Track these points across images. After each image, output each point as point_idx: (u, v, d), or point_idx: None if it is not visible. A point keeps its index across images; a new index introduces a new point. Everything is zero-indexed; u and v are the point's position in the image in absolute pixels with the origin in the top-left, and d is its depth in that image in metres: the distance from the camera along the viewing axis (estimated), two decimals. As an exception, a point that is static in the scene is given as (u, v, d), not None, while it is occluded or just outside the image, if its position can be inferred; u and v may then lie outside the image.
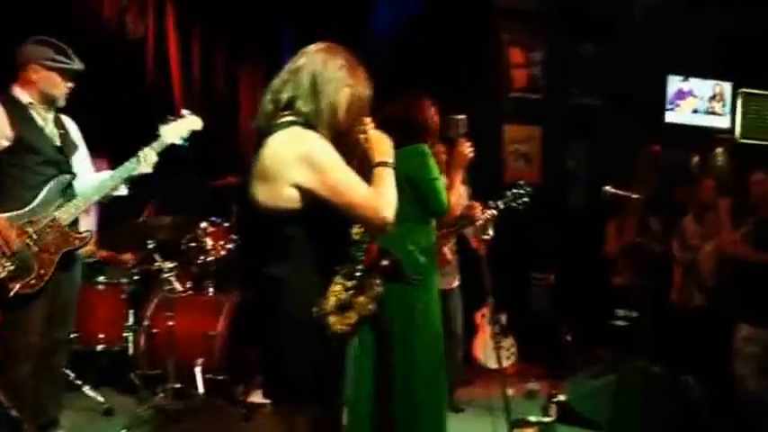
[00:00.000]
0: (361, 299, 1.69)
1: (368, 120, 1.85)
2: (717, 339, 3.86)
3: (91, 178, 2.88)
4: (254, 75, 4.85)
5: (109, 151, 3.94)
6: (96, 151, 3.87)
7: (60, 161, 2.78)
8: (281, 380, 1.73)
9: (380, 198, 1.73)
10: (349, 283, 1.69)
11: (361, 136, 1.82)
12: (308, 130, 1.70)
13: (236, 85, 4.89)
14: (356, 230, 1.76)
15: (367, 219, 1.70)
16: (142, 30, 4.77)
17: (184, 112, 2.93)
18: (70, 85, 2.80)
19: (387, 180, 1.78)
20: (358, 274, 1.71)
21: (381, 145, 1.83)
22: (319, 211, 1.68)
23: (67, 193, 2.78)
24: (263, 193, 1.69)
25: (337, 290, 1.68)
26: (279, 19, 4.79)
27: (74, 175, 2.83)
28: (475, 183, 3.29)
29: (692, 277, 4.37)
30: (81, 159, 2.91)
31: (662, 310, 4.45)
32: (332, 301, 1.67)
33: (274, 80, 1.78)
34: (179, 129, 2.87)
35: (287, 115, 1.74)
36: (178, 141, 2.86)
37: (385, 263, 1.77)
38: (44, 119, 2.79)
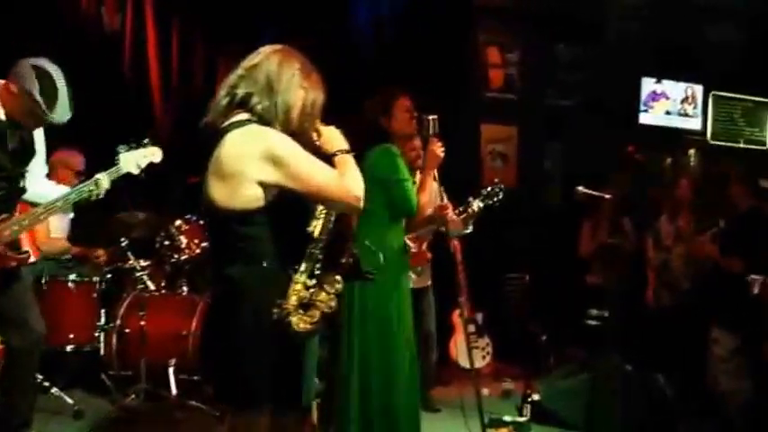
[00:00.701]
0: (323, 296, 1.70)
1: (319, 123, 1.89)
2: (688, 339, 3.93)
3: (43, 190, 2.78)
4: (233, 68, 4.78)
5: (85, 145, 3.87)
6: (72, 145, 3.80)
7: (16, 176, 2.68)
8: (241, 383, 1.71)
9: (349, 179, 1.78)
10: (310, 282, 1.70)
11: (313, 134, 1.86)
12: (264, 127, 1.72)
13: (215, 78, 4.80)
14: (314, 227, 1.77)
15: (340, 199, 1.74)
16: (119, 22, 4.68)
17: (146, 141, 2.86)
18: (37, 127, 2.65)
19: (349, 164, 1.83)
20: (318, 272, 1.72)
21: (334, 137, 1.88)
22: (280, 210, 1.69)
23: (12, 207, 2.69)
24: (221, 193, 1.69)
25: (298, 288, 1.68)
26: (259, 12, 4.74)
27: (24, 191, 2.73)
28: (452, 183, 3.30)
29: (664, 278, 4.44)
30: (35, 166, 2.80)
31: (634, 309, 4.50)
32: (293, 300, 1.67)
33: (230, 76, 1.80)
34: (138, 158, 2.80)
35: (241, 112, 1.75)
36: (135, 171, 2.79)
37: (343, 260, 1.78)
38: (12, 129, 2.64)
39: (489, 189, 3.44)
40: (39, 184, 2.80)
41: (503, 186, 3.44)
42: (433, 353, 3.93)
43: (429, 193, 2.90)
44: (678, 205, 4.50)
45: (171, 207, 3.89)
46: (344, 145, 1.87)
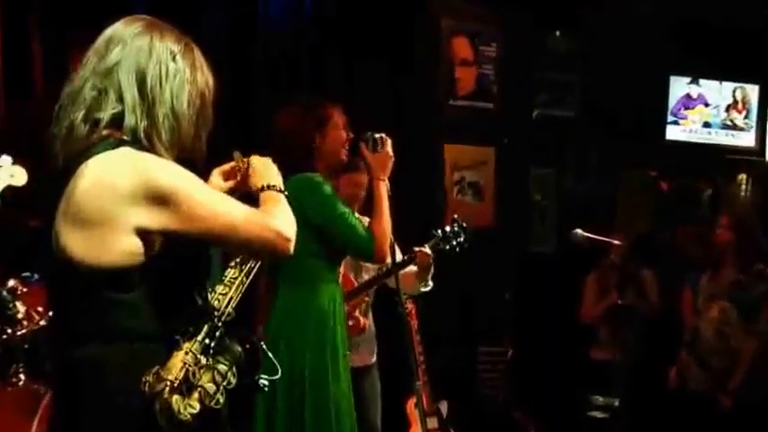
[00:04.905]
0: (209, 382, 1.76)
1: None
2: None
3: None
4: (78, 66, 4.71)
5: None
6: None
7: None
8: None
9: (272, 214, 1.91)
10: (203, 358, 1.78)
11: (239, 165, 2.08)
12: (139, 152, 1.79)
13: (63, 67, 4.55)
14: (220, 295, 1.91)
15: (262, 240, 1.84)
16: None
17: (4, 158, 3.11)
18: None
19: (278, 199, 1.99)
20: (213, 351, 1.81)
21: (266, 170, 2.08)
22: (164, 267, 1.79)
23: None
24: (80, 245, 1.74)
25: (188, 359, 1.74)
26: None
27: None
28: (406, 225, 3.58)
29: (694, 352, 4.72)
30: None
31: (654, 395, 4.87)
32: (177, 370, 1.72)
33: (79, 85, 1.85)
34: None
35: (109, 132, 1.82)
36: None
37: (239, 348, 1.86)
38: None
39: (446, 229, 3.76)
40: None
41: (464, 226, 3.77)
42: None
43: (385, 218, 3.11)
44: (721, 253, 4.77)
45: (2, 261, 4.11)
46: (278, 181, 2.04)
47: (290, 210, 1.97)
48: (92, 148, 1.78)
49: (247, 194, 2.06)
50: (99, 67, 1.83)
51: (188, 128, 1.88)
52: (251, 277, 2.00)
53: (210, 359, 1.79)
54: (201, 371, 1.75)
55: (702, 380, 4.70)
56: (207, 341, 1.79)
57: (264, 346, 1.95)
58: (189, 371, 1.73)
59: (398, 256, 3.57)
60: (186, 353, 1.75)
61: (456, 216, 3.89)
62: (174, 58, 1.87)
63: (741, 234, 4.76)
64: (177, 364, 1.73)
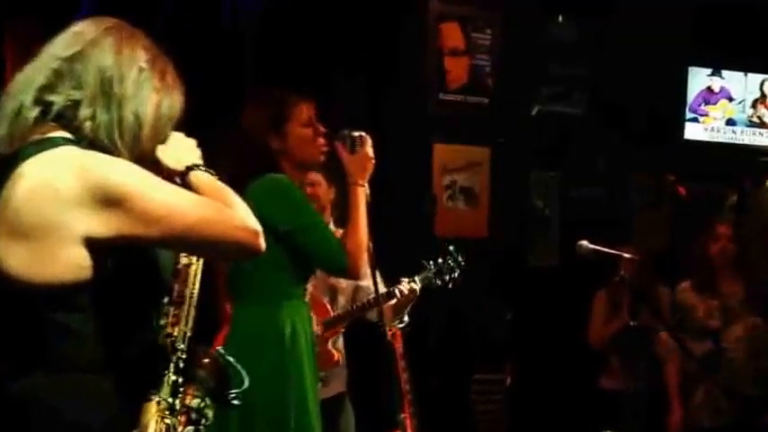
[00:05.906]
0: (187, 426, 1.81)
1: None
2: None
3: None
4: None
5: None
6: None
7: None
8: None
9: (228, 205, 1.89)
10: (176, 402, 1.80)
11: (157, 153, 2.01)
12: (85, 151, 1.79)
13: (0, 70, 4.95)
14: (174, 311, 1.91)
15: (226, 239, 1.84)
16: None
17: None
18: None
19: (220, 187, 1.97)
20: (182, 386, 1.83)
21: (184, 146, 2.05)
22: (116, 282, 1.78)
23: None
24: (19, 259, 1.73)
25: (162, 409, 1.78)
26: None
27: None
28: (388, 239, 3.54)
29: (716, 378, 4.71)
30: None
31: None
32: (154, 428, 1.76)
33: (31, 73, 1.87)
34: None
35: (55, 127, 1.83)
36: None
37: (202, 371, 1.89)
38: None
39: (440, 261, 3.80)
40: None
41: (459, 258, 3.80)
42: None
43: (362, 228, 3.09)
44: (719, 267, 4.83)
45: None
46: (196, 158, 2.04)
47: (238, 197, 1.95)
48: (37, 145, 1.77)
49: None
50: (59, 54, 1.85)
51: (149, 135, 1.90)
52: (197, 284, 1.99)
53: (181, 396, 1.81)
54: (177, 417, 1.78)
55: (731, 412, 4.72)
56: (173, 378, 1.82)
57: (222, 351, 1.97)
58: (167, 425, 1.77)
59: (379, 280, 3.51)
60: (158, 403, 1.78)
61: (452, 247, 3.89)
62: (142, 63, 1.90)
63: (743, 244, 4.84)
64: (152, 419, 1.76)
